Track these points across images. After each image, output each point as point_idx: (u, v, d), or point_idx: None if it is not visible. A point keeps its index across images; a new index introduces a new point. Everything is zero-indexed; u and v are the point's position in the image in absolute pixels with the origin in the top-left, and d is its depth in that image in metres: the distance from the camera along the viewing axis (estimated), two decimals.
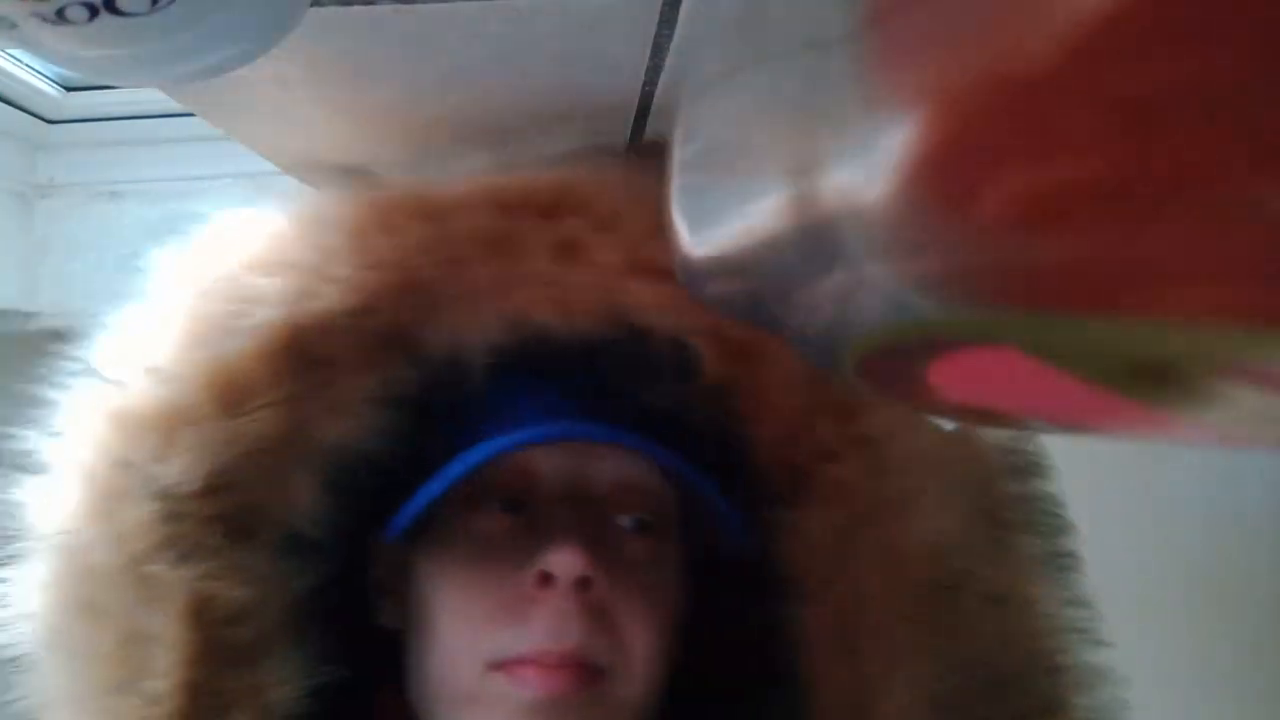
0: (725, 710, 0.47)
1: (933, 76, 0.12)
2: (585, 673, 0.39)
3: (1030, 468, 0.46)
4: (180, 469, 0.38)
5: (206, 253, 0.42)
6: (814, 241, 0.17)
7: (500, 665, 0.39)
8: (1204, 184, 0.09)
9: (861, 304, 0.16)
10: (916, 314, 0.15)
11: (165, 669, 0.37)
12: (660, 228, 0.36)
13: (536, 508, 0.42)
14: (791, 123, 0.19)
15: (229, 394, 0.39)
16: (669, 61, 0.41)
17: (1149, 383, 0.12)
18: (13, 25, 0.21)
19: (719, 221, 0.24)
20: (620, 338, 0.43)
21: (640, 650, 0.41)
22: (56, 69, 1.00)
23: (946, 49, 0.12)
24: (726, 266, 0.25)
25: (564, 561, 0.38)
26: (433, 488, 0.40)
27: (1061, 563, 0.45)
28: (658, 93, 0.45)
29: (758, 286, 0.24)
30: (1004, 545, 0.44)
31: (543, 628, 0.39)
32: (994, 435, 0.45)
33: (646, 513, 0.43)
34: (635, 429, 0.42)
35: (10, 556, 0.40)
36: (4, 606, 0.40)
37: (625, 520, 0.43)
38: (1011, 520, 0.44)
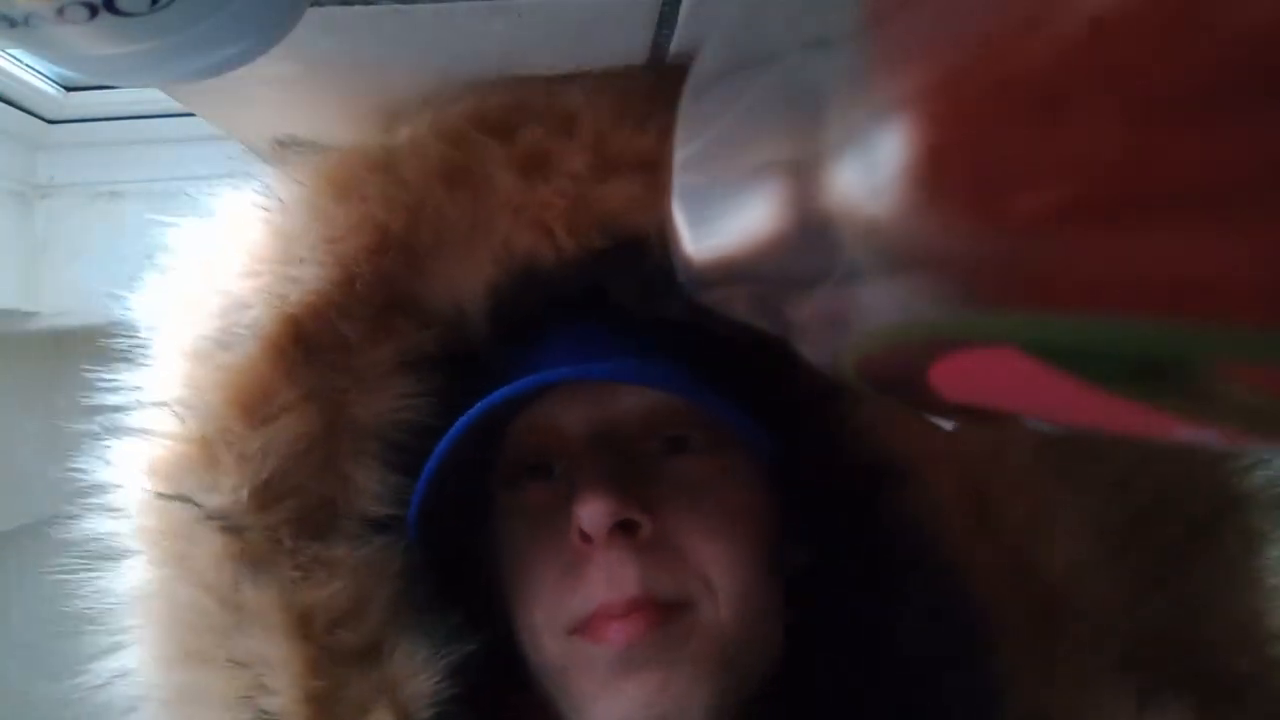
0: (870, 610, 0.44)
1: (936, 76, 0.12)
2: (659, 612, 0.38)
3: None
4: (230, 490, 0.38)
5: (182, 276, 0.41)
6: (814, 243, 0.17)
7: (576, 629, 0.39)
8: (1213, 183, 0.09)
9: (862, 305, 0.16)
10: (917, 315, 0.15)
11: (282, 687, 0.37)
12: (623, 115, 0.33)
13: (568, 464, 0.41)
14: (792, 123, 0.19)
15: (250, 404, 0.38)
16: (669, 61, 0.41)
17: (1149, 383, 0.12)
18: (12, 24, 0.21)
19: (719, 222, 0.24)
20: (614, 251, 0.40)
21: (719, 571, 0.39)
22: (56, 69, 1.00)
23: (950, 48, 0.12)
24: (728, 272, 0.25)
25: (589, 514, 0.37)
26: (430, 463, 0.39)
27: None
28: None
29: (759, 291, 0.24)
30: None
31: (599, 582, 0.38)
32: None
33: (677, 431, 0.41)
34: (654, 350, 0.40)
35: (101, 636, 0.40)
36: (102, 688, 0.39)
37: (655, 445, 0.41)
38: None
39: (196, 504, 0.38)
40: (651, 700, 0.37)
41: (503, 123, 0.40)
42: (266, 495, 0.38)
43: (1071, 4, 0.09)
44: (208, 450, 0.38)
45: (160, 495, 0.38)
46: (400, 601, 0.39)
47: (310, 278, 0.39)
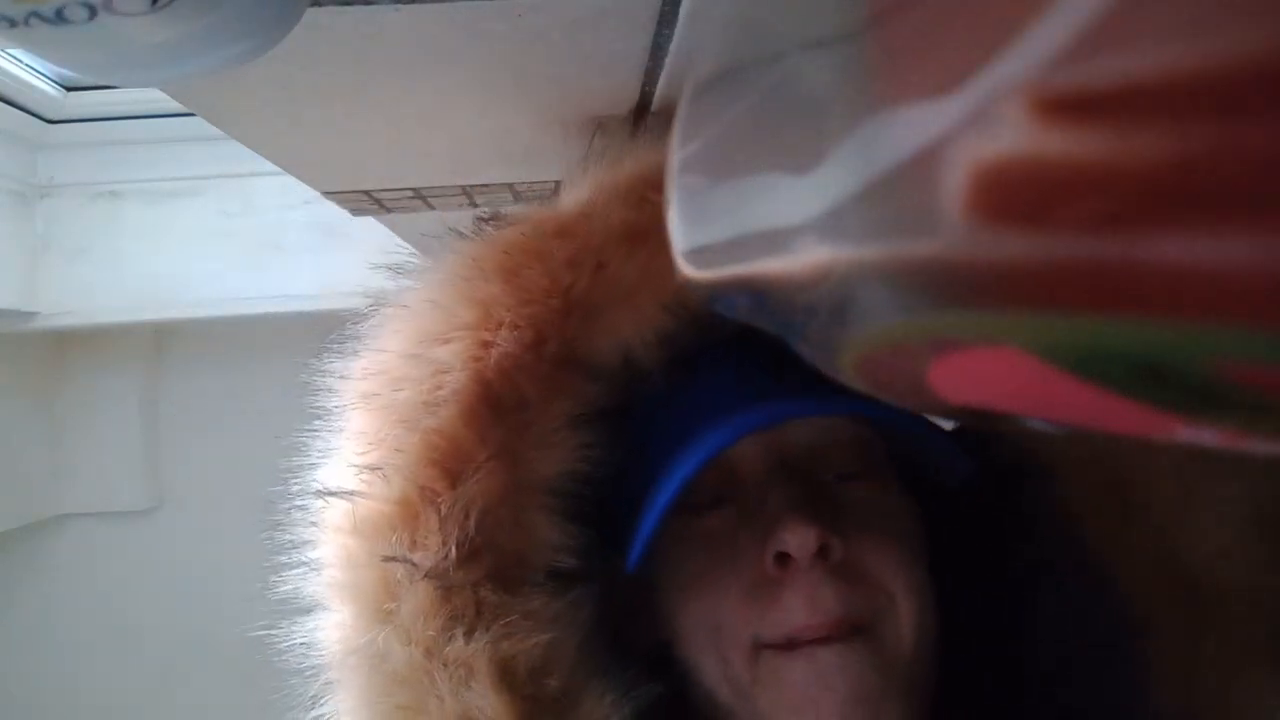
0: (1015, 608, 0.46)
1: (942, 76, 0.12)
2: (853, 632, 0.39)
3: None
4: (436, 548, 0.39)
5: (382, 347, 0.43)
6: (814, 244, 0.17)
7: (768, 649, 0.40)
8: (1254, 183, 0.09)
9: (862, 305, 0.16)
10: (917, 315, 0.15)
11: None
12: None
13: (747, 491, 0.43)
14: (792, 123, 0.19)
15: (450, 465, 0.40)
16: (669, 61, 0.41)
17: (1151, 383, 0.11)
18: (11, 24, 0.21)
19: (719, 224, 0.24)
20: None
21: (901, 589, 0.41)
22: (56, 69, 1.00)
23: (957, 48, 0.12)
24: (724, 284, 0.25)
25: (797, 539, 0.39)
26: (647, 524, 0.40)
27: None
28: (658, 93, 0.45)
29: (758, 292, 0.24)
30: None
31: (799, 606, 0.39)
32: None
33: (853, 463, 0.43)
34: (810, 374, 0.42)
35: (312, 696, 0.41)
36: None
37: (834, 475, 0.43)
38: None
39: (413, 563, 0.39)
40: (844, 718, 0.39)
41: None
42: (467, 552, 0.40)
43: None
44: (411, 510, 0.40)
45: (385, 559, 0.39)
46: (589, 648, 0.41)
47: (505, 340, 0.41)
